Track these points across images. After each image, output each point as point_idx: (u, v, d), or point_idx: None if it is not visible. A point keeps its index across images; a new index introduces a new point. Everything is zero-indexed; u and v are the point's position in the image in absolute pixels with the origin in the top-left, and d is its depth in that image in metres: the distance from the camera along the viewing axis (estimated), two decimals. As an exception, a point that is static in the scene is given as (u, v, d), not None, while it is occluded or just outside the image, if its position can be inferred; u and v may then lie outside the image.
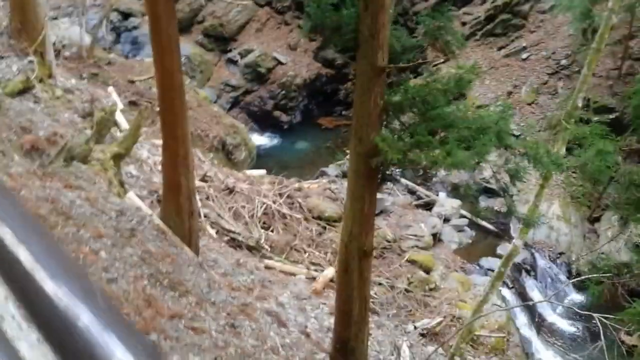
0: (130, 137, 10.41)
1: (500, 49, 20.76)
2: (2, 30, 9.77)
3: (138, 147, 12.54)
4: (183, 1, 24.56)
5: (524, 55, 20.10)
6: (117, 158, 10.21)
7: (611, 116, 16.44)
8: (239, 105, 23.36)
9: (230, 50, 23.79)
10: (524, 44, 20.42)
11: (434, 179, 17.36)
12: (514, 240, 10.27)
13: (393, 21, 7.41)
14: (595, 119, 16.85)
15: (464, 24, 21.75)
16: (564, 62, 19.26)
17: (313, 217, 14.30)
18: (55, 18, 19.69)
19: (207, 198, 12.94)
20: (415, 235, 14.62)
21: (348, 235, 7.37)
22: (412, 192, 17.82)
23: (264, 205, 13.78)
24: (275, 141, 22.82)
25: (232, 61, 23.59)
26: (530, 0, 20.83)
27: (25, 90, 8.68)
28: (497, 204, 17.00)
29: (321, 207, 14.61)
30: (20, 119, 8.30)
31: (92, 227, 7.43)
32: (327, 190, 16.23)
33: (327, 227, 14.16)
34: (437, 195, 17.56)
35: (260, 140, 22.11)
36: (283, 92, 23.41)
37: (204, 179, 13.52)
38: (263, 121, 23.29)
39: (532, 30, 20.67)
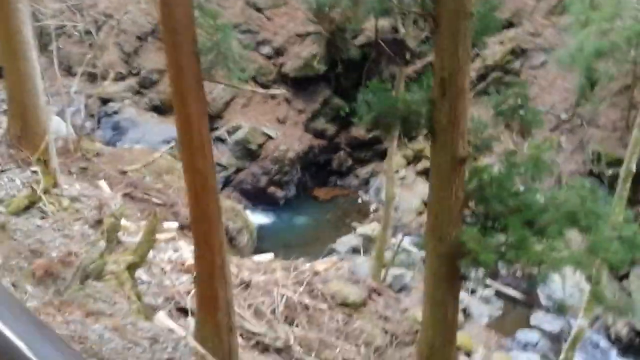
0: (145, 243, 9.35)
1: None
2: (0, 139, 8.76)
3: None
4: (164, 82, 23.88)
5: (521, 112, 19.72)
6: (132, 268, 9.14)
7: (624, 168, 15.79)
8: (231, 184, 22.40)
9: (217, 129, 22.98)
10: (520, 101, 20.09)
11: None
12: (578, 321, 9.40)
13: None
14: (610, 172, 16.41)
15: (454, 84, 21.46)
16: (563, 116, 18.97)
17: (337, 304, 13.20)
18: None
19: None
20: (447, 314, 13.57)
21: (430, 347, 6.39)
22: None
23: (284, 297, 12.67)
24: (273, 219, 21.79)
25: (220, 139, 22.75)
26: (521, 58, 20.74)
27: (30, 205, 7.63)
28: (519, 269, 16.13)
29: (344, 292, 13.51)
30: (28, 241, 7.26)
31: (128, 367, 6.35)
32: (341, 270, 15.22)
33: (353, 314, 13.07)
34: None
35: (258, 219, 21.02)
36: (276, 167, 22.59)
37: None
38: (257, 199, 22.32)
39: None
